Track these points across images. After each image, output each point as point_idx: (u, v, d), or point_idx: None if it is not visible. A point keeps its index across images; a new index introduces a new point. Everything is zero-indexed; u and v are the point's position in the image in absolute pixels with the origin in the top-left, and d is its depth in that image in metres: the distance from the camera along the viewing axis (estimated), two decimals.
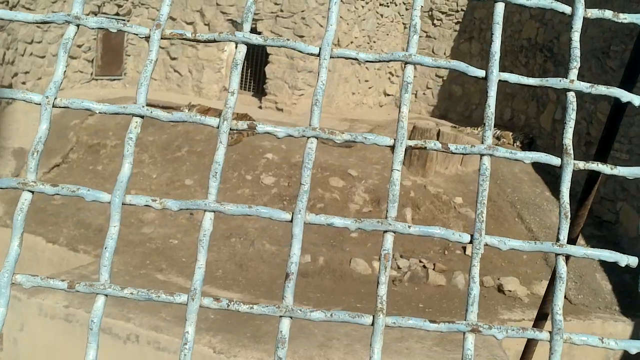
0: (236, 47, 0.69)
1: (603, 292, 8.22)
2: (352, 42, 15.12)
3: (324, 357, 5.58)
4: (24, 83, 12.34)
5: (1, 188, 0.67)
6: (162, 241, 8.79)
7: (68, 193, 0.65)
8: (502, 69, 14.62)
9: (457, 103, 16.60)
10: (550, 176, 11.21)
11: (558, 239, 0.66)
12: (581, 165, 0.67)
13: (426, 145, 0.67)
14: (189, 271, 7.98)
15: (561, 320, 0.64)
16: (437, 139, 10.70)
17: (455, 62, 0.70)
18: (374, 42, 16.19)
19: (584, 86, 0.69)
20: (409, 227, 0.65)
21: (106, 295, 0.65)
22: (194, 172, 10.43)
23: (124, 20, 14.57)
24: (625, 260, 0.68)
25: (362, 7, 15.29)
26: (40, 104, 0.68)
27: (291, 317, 0.64)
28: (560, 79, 0.70)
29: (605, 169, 0.68)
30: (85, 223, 9.16)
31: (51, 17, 0.71)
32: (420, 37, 16.98)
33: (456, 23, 16.64)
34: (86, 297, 7.19)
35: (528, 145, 13.02)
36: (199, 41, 0.72)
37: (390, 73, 17.35)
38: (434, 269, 8.33)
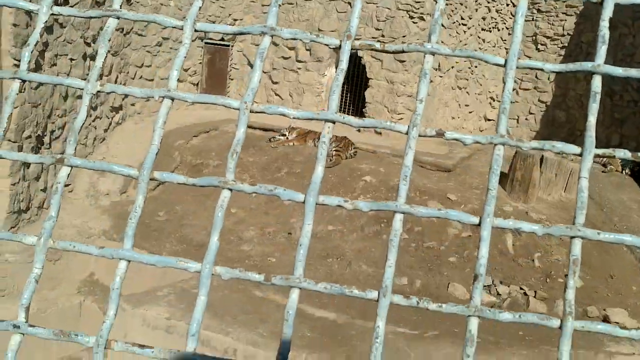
0: (424, 57, 0.72)
1: None
2: (452, 67, 15.02)
3: None
4: (133, 105, 12.95)
5: (202, 186, 0.72)
6: (261, 259, 8.95)
7: (265, 192, 0.69)
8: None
9: (561, 129, 16.18)
10: None
11: None
12: None
13: (615, 153, 0.68)
14: (286, 289, 8.05)
15: None
16: (540, 166, 10.43)
17: None
18: (475, 66, 16.02)
19: None
20: (598, 233, 0.65)
21: (300, 289, 0.69)
22: None
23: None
24: None
25: (464, 32, 15.19)
26: (238, 109, 0.73)
27: (479, 317, 0.65)
28: None
29: None
30: (187, 239, 9.44)
31: (248, 28, 0.76)
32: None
33: (561, 47, 16.24)
34: (187, 310, 7.39)
35: (638, 173, 12.49)
36: (387, 52, 0.75)
37: (492, 98, 17.10)
38: (535, 297, 8.10)
